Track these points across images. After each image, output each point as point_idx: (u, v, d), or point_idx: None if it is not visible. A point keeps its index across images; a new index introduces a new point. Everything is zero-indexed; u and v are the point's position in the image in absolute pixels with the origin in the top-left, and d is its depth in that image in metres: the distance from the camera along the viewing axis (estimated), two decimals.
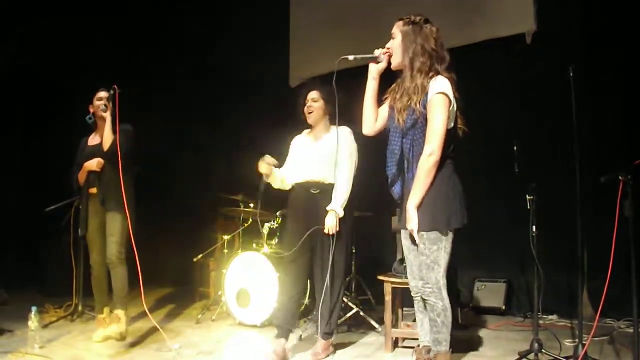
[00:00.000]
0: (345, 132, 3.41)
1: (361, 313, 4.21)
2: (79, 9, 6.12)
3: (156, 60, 6.66)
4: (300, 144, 3.61)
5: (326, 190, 3.38)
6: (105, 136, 3.65)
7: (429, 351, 2.65)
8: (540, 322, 4.03)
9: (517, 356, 3.21)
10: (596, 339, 3.52)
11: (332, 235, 3.27)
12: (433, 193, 2.52)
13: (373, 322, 4.08)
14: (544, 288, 3.25)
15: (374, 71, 2.72)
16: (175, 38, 6.69)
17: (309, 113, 3.49)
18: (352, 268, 4.61)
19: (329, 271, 3.24)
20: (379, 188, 4.66)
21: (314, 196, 3.40)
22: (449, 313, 2.56)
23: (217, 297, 4.68)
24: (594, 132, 4.33)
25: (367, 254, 4.85)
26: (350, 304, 4.26)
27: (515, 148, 3.35)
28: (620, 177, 2.78)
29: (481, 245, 4.88)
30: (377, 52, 2.69)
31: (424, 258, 2.55)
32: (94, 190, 3.78)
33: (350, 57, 2.71)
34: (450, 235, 2.58)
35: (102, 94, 3.78)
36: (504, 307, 4.69)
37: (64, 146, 5.62)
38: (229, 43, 6.26)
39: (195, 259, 4.99)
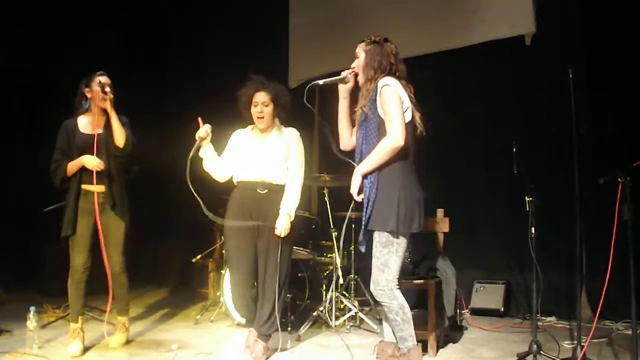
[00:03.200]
0: (296, 135, 3.45)
1: (360, 314, 4.21)
2: (78, 9, 6.11)
3: (155, 61, 6.66)
4: (244, 141, 3.49)
5: (274, 191, 3.35)
6: (117, 132, 3.38)
7: (399, 349, 2.71)
8: (539, 323, 4.03)
9: (516, 358, 3.21)
10: (595, 340, 3.51)
11: (283, 238, 3.26)
12: (387, 194, 2.61)
13: (371, 323, 4.08)
14: (543, 290, 3.26)
15: (343, 91, 2.90)
16: (174, 38, 6.68)
17: (259, 118, 3.37)
18: (351, 269, 4.61)
19: (277, 274, 3.24)
20: None
21: (262, 196, 3.33)
22: (406, 309, 2.64)
23: (216, 298, 4.67)
24: (594, 132, 4.34)
25: (366, 255, 4.84)
26: (349, 304, 4.26)
27: (514, 149, 3.35)
28: (619, 179, 2.78)
29: (480, 247, 4.89)
30: (344, 74, 2.87)
31: (375, 260, 2.64)
32: (89, 187, 3.43)
33: (320, 82, 2.90)
34: (403, 239, 2.65)
35: (104, 79, 3.45)
36: (502, 309, 4.67)
37: None
38: (228, 43, 6.26)
39: (194, 260, 4.98)
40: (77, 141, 3.44)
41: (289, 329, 3.98)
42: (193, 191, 3.07)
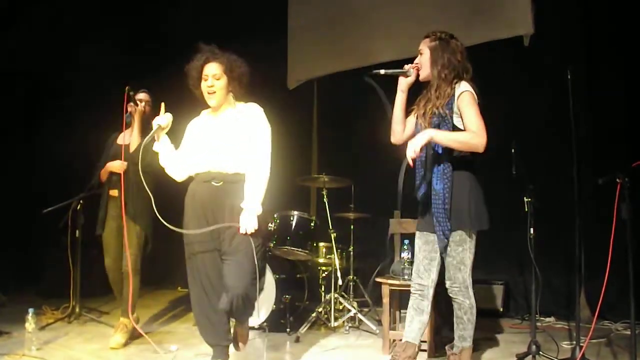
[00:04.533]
0: (257, 111, 2.92)
1: (359, 315, 4.20)
2: (78, 9, 6.11)
3: (154, 62, 6.65)
4: (197, 128, 3.00)
5: (230, 182, 2.80)
6: (133, 138, 3.68)
7: (452, 347, 2.76)
8: (538, 324, 4.03)
9: (515, 358, 3.21)
10: (593, 341, 3.51)
11: (252, 235, 2.72)
12: (459, 195, 2.65)
13: (370, 324, 4.08)
14: (542, 290, 3.25)
15: (403, 84, 2.82)
16: (173, 39, 6.67)
17: (210, 94, 2.85)
18: (350, 270, 4.60)
19: (256, 275, 2.74)
20: (376, 190, 4.69)
21: (217, 189, 2.81)
22: (474, 310, 2.70)
23: None
24: (593, 133, 4.34)
25: (365, 256, 4.85)
26: (348, 305, 4.26)
27: (513, 150, 3.35)
28: (617, 180, 2.78)
29: (479, 247, 4.87)
30: (406, 67, 2.81)
31: (451, 259, 2.68)
32: (115, 192, 3.76)
33: (382, 72, 2.81)
34: (474, 236, 2.71)
35: (142, 95, 3.84)
36: (501, 309, 4.68)
37: (63, 146, 5.64)
38: (227, 44, 6.25)
39: None
40: (111, 151, 3.87)
41: (288, 329, 3.98)
42: (147, 188, 2.87)
